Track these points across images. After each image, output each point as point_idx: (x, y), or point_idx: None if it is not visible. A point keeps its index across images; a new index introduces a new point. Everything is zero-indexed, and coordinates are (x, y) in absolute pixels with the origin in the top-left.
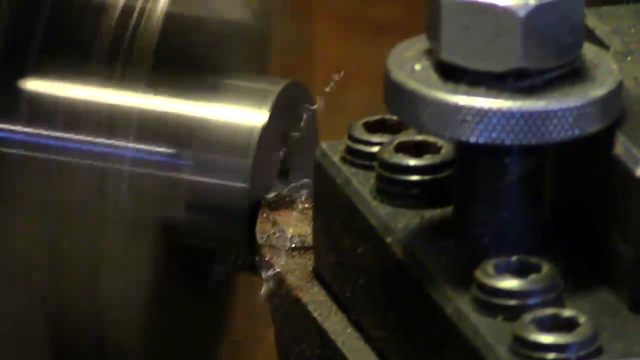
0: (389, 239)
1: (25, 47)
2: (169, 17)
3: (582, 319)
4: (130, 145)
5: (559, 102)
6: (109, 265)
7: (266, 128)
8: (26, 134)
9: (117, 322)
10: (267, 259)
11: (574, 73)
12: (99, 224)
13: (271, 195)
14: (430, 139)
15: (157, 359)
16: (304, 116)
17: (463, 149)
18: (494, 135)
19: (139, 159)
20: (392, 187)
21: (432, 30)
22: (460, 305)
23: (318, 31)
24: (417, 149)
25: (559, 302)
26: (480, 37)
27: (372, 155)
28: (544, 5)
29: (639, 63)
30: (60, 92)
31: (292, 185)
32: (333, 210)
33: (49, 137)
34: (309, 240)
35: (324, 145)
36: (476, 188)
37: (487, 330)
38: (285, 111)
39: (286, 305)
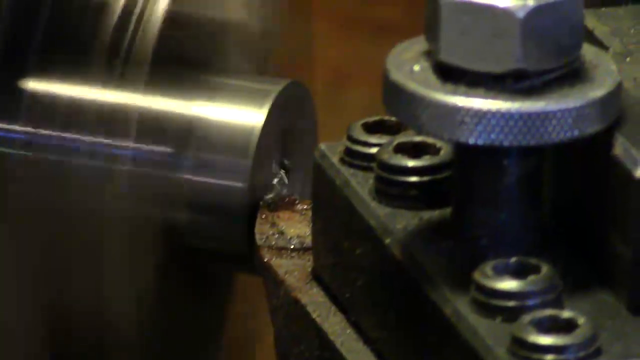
0: (387, 240)
1: (25, 47)
2: (168, 17)
3: (581, 320)
4: (130, 145)
5: (558, 103)
6: (109, 265)
7: (266, 128)
8: (26, 134)
9: (117, 322)
10: (266, 259)
11: (573, 74)
12: (99, 224)
13: (270, 195)
14: (429, 140)
15: (156, 359)
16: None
17: (462, 150)
18: (492, 136)
19: (139, 159)
20: (391, 188)
21: (431, 31)
22: (459, 307)
23: (318, 31)
24: (416, 150)
25: (557, 303)
26: (479, 38)
27: (371, 156)
28: (543, 6)
29: (638, 64)
30: (60, 92)
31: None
32: (332, 211)
33: (49, 137)
34: (308, 241)
35: (322, 146)
36: (475, 189)
37: (486, 331)
38: (285, 111)
39: (285, 306)
